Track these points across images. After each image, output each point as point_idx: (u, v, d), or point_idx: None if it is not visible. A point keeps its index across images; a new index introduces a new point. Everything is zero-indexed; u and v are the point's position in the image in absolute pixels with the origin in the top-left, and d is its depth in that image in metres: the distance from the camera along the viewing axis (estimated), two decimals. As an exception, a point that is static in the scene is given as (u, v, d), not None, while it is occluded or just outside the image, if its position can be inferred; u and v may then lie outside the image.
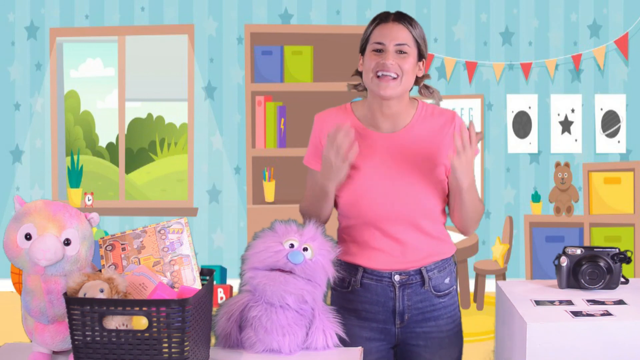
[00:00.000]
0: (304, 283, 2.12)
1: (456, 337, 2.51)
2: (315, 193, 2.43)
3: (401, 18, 2.39)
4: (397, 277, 2.41)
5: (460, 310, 2.55)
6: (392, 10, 2.45)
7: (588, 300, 2.41)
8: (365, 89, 2.47)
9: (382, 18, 2.40)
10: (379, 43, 2.36)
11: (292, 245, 2.13)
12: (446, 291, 2.47)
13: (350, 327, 2.41)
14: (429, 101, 2.51)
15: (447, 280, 2.47)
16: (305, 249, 2.13)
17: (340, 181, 2.36)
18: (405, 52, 2.35)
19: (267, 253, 2.12)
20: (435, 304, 2.46)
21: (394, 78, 2.34)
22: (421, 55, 2.41)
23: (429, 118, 2.44)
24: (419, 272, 2.42)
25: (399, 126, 2.43)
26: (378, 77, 2.35)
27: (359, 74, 2.48)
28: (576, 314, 2.26)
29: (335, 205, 2.49)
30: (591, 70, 6.61)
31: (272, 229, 2.19)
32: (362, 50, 2.44)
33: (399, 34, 2.35)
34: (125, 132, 7.22)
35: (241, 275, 2.19)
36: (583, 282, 2.53)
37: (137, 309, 1.84)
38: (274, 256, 2.11)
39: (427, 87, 2.51)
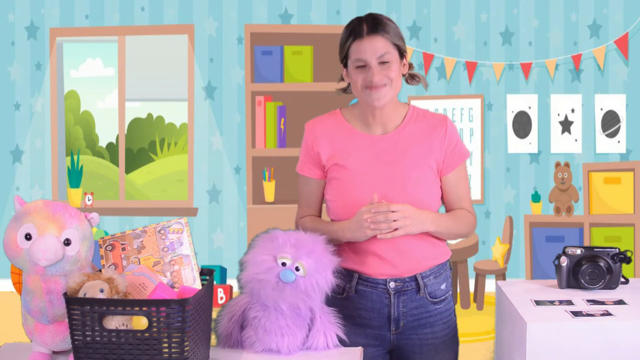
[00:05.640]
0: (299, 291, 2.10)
1: (451, 342, 2.51)
2: (329, 234, 2.34)
3: (375, 28, 2.33)
4: (392, 284, 2.39)
5: (455, 315, 2.54)
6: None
7: (588, 300, 2.41)
8: None
9: (357, 33, 2.34)
10: (360, 60, 2.34)
11: (284, 264, 2.11)
12: (442, 297, 2.46)
13: (345, 334, 2.35)
14: (418, 103, 2.50)
15: (443, 287, 2.46)
16: (297, 268, 2.10)
17: (357, 240, 2.33)
18: (387, 61, 2.33)
19: (261, 268, 2.11)
20: (431, 311, 2.45)
21: (384, 84, 2.33)
22: (402, 54, 2.38)
23: (420, 120, 2.43)
24: (414, 278, 2.40)
25: (389, 128, 2.42)
26: (368, 87, 2.33)
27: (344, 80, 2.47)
28: (576, 314, 2.26)
29: (327, 209, 2.47)
30: (591, 70, 6.61)
31: (270, 236, 2.17)
32: (344, 63, 2.42)
33: (377, 46, 2.32)
34: (125, 132, 7.21)
35: (239, 278, 2.18)
36: (583, 282, 2.53)
37: (137, 309, 1.84)
38: (266, 272, 2.10)
39: (412, 75, 2.48)
